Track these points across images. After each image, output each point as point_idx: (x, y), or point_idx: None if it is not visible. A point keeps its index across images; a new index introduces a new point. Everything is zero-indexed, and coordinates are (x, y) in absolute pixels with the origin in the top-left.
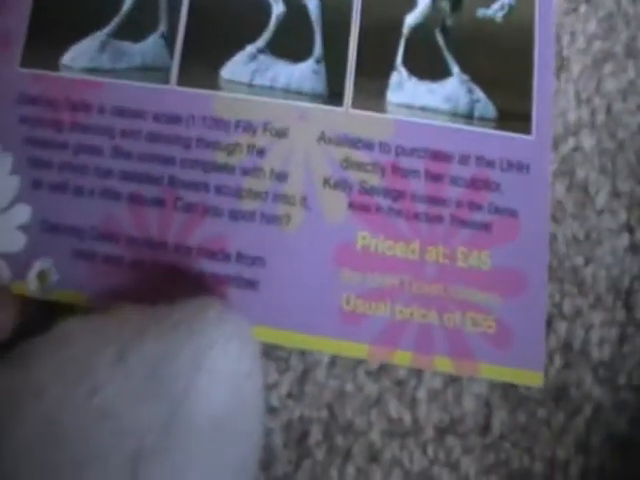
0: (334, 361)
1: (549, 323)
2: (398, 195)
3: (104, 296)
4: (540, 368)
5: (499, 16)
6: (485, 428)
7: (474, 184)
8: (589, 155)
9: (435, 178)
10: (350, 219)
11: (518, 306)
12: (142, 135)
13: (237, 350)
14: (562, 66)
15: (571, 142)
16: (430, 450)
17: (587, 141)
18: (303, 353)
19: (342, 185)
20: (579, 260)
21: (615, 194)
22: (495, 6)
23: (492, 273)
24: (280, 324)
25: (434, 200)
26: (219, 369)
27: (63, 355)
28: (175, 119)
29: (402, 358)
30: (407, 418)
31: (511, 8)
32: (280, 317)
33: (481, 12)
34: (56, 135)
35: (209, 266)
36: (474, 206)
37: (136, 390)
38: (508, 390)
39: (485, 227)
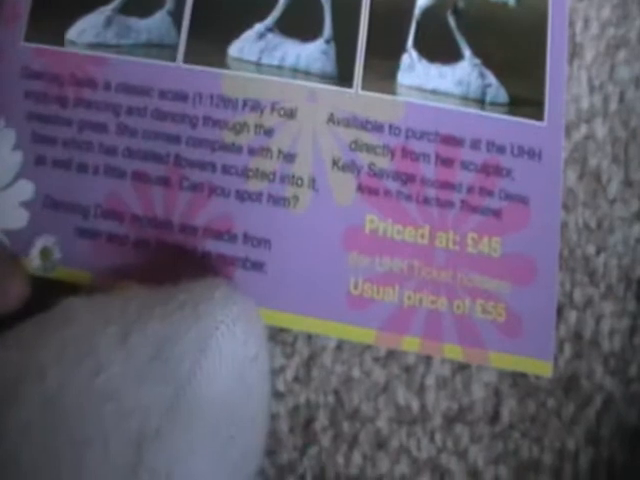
0: (341, 346)
1: (559, 312)
2: (408, 179)
3: (108, 275)
4: (549, 358)
5: (512, 0)
6: (494, 417)
7: (485, 169)
8: (601, 143)
9: (445, 162)
10: (359, 202)
11: (528, 294)
12: (148, 112)
13: (243, 332)
14: (575, 52)
15: (583, 129)
16: (438, 438)
17: (600, 129)
18: (309, 337)
19: (351, 167)
20: (590, 249)
21: (627, 183)
22: None
23: (502, 260)
24: (286, 307)
25: (444, 185)
26: (225, 351)
27: (65, 335)
28: (182, 97)
29: (410, 344)
30: (415, 405)
31: None
32: (286, 300)
33: None
34: (60, 111)
35: (215, 247)
36: (485, 192)
37: (140, 371)
38: (518, 379)
39: (495, 213)
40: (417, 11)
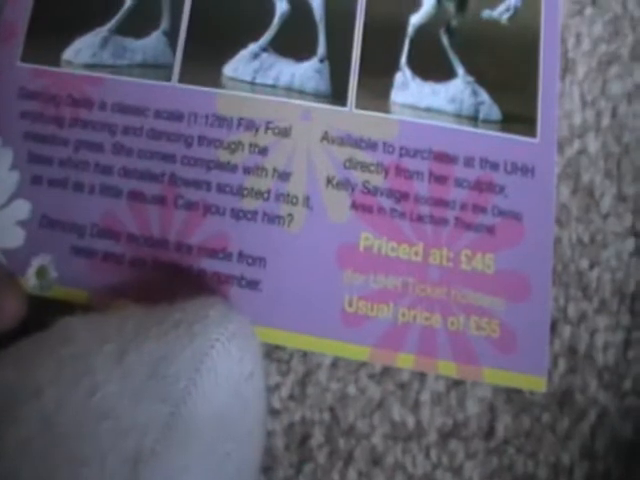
0: (336, 363)
1: (554, 327)
2: (401, 196)
3: (104, 294)
4: (543, 373)
5: (504, 18)
6: (489, 432)
7: (478, 186)
8: (594, 158)
9: (439, 180)
10: (353, 219)
11: (522, 310)
12: (143, 132)
13: (239, 350)
14: (567, 68)
15: (576, 145)
16: (433, 454)
17: (592, 144)
18: (305, 355)
19: (345, 185)
20: (584, 264)
21: (621, 198)
22: (500, 8)
23: (496, 277)
24: (281, 325)
25: (438, 202)
26: (220, 369)
27: (62, 354)
28: (177, 116)
29: (405, 361)
30: (410, 421)
31: (517, 10)
32: (281, 318)
33: (486, 13)
34: (57, 131)
35: (210, 265)
36: (478, 209)
37: (136, 390)
38: (512, 394)
39: (489, 230)
40: (410, 29)
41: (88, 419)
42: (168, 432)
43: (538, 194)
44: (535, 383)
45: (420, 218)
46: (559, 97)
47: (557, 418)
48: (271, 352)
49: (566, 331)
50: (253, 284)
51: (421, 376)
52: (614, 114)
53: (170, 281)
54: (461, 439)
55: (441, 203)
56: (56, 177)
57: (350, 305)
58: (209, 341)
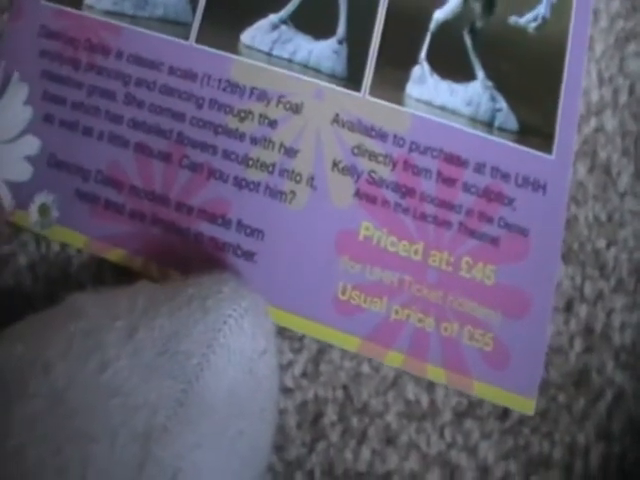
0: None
1: (569, 306)
2: (407, 192)
3: (102, 241)
4: (533, 395)
5: (531, 27)
6: (504, 413)
7: (487, 195)
8: (611, 136)
9: (447, 181)
10: (355, 207)
11: (518, 328)
12: (156, 86)
13: (252, 327)
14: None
15: (593, 122)
16: (448, 434)
17: (610, 122)
18: None
19: (351, 171)
20: (601, 243)
21: (638, 176)
22: (528, 16)
23: (495, 289)
24: (272, 300)
25: (443, 204)
26: (233, 346)
27: (72, 329)
28: (191, 76)
29: (393, 359)
30: (424, 400)
31: (545, 21)
32: (274, 293)
33: (513, 20)
34: (73, 73)
35: (208, 230)
36: (484, 217)
37: (147, 366)
38: None
39: (493, 241)
40: (433, 24)
41: (98, 395)
42: (180, 409)
43: (548, 212)
44: (524, 405)
45: (424, 217)
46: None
47: (573, 398)
48: (283, 330)
49: (582, 310)
50: (249, 255)
51: None
52: (632, 91)
53: (168, 239)
54: (476, 419)
55: (447, 205)
56: (67, 119)
57: (344, 293)
58: (222, 317)
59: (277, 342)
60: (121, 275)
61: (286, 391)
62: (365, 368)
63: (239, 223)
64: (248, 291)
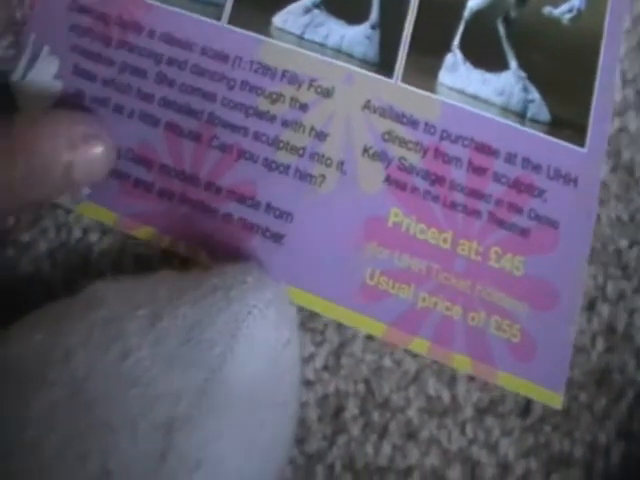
0: (372, 335)
1: (592, 305)
2: (437, 179)
3: (131, 218)
4: (560, 390)
5: (566, 18)
6: (525, 410)
7: (517, 186)
8: (635, 136)
9: (477, 171)
10: (385, 193)
11: (546, 320)
12: (187, 66)
13: (276, 317)
14: None
15: (616, 122)
16: (469, 430)
17: (633, 122)
18: (340, 325)
19: (381, 157)
20: (623, 243)
21: None
22: (563, 7)
23: (524, 280)
24: (299, 283)
25: (473, 193)
26: (257, 336)
27: (92, 318)
28: (222, 57)
29: (419, 346)
30: (446, 396)
31: (580, 12)
32: (301, 276)
33: (547, 10)
34: (103, 49)
35: (237, 210)
36: (514, 208)
37: (169, 355)
38: None
39: (522, 232)
40: (467, 12)
41: (119, 384)
42: (202, 398)
43: (579, 206)
44: (551, 398)
45: (453, 205)
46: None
47: (594, 397)
48: (305, 322)
49: (604, 310)
50: (277, 237)
51: None
52: None
53: (196, 220)
54: (497, 416)
55: (476, 194)
56: (98, 95)
57: (371, 278)
58: (246, 307)
59: (299, 334)
60: (141, 264)
61: (307, 384)
62: (387, 362)
63: (268, 205)
64: (272, 281)
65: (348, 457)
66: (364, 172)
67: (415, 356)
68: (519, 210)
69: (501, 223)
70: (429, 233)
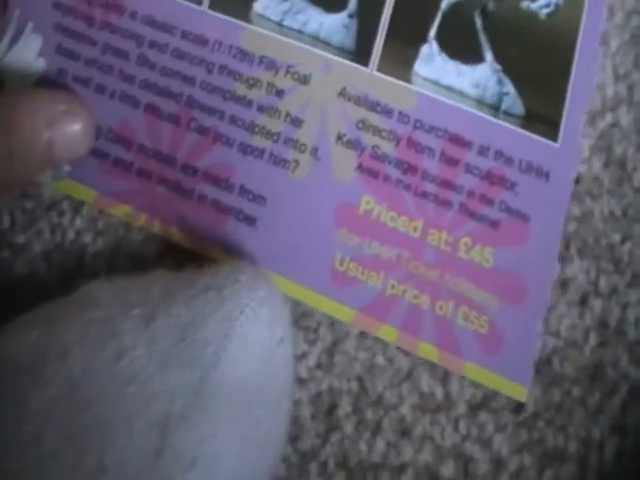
0: (364, 332)
1: (584, 300)
2: (409, 169)
3: (109, 197)
4: (526, 382)
5: (543, 13)
6: (518, 405)
7: (489, 177)
8: (627, 131)
9: (450, 162)
10: (357, 180)
11: (514, 313)
12: (168, 49)
13: (269, 315)
14: (601, 40)
15: (609, 118)
16: (462, 426)
17: (625, 117)
18: (332, 323)
19: (355, 144)
20: (616, 237)
21: None
22: (541, 2)
23: (493, 273)
24: (271, 266)
25: (445, 183)
26: (251, 335)
27: (87, 317)
28: (202, 41)
29: (387, 333)
30: (439, 393)
31: (557, 8)
32: (272, 260)
33: (525, 4)
34: (86, 29)
35: (212, 192)
36: (485, 200)
37: (164, 354)
38: (543, 367)
39: (493, 224)
40: (444, 3)
41: (114, 383)
42: (197, 397)
43: (550, 200)
44: (517, 391)
45: (424, 195)
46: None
47: (588, 392)
48: (299, 320)
49: (597, 305)
50: (250, 220)
51: None
52: None
53: (173, 199)
54: (490, 411)
55: (448, 185)
56: (80, 75)
57: (341, 264)
58: (239, 306)
59: (292, 332)
60: (135, 264)
61: (301, 382)
62: (380, 359)
63: (242, 188)
64: (265, 280)
65: (342, 454)
66: (337, 159)
67: (408, 353)
68: (490, 202)
69: (472, 214)
70: (400, 221)
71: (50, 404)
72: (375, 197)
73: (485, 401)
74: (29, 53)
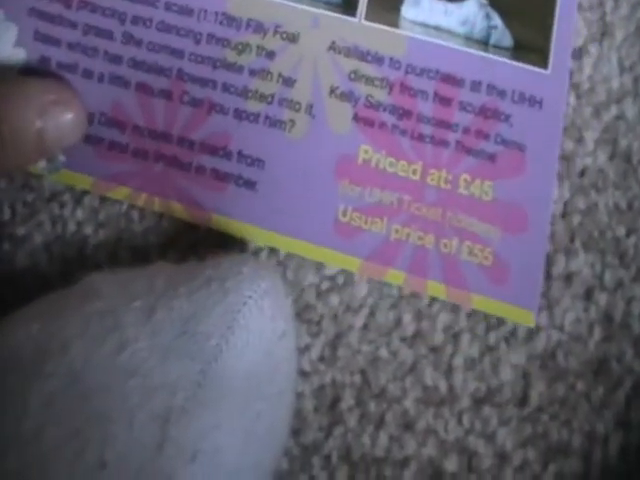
0: (367, 325)
1: (589, 294)
2: (404, 113)
3: (107, 180)
4: (533, 307)
5: None
6: (523, 399)
7: (483, 112)
8: (632, 124)
9: (444, 101)
10: (354, 131)
11: (517, 243)
12: (153, 24)
13: (271, 308)
14: (606, 32)
15: (614, 110)
16: (466, 420)
17: (630, 109)
18: (336, 316)
19: (348, 96)
20: (621, 230)
21: None
22: None
23: (493, 205)
24: (274, 227)
25: (441, 123)
26: (253, 327)
27: (88, 310)
28: (187, 11)
29: (394, 277)
30: (442, 386)
31: None
32: (275, 220)
33: None
34: (64, 11)
35: (210, 162)
36: (481, 135)
37: (166, 347)
38: (547, 361)
39: (490, 157)
40: None
41: (116, 376)
42: (198, 390)
43: (544, 127)
44: (524, 317)
45: (421, 137)
46: (597, 60)
47: (592, 386)
48: (301, 313)
49: (602, 298)
50: (250, 184)
51: (454, 340)
52: None
53: (172, 175)
54: (494, 405)
55: (443, 125)
56: (65, 61)
57: (344, 215)
58: (242, 298)
59: (295, 325)
60: (137, 256)
61: (303, 375)
62: (383, 352)
63: (240, 154)
64: (268, 272)
65: (345, 448)
66: (333, 113)
67: (411, 346)
68: (486, 136)
69: (469, 151)
70: (399, 166)
71: (51, 397)
72: (373, 145)
73: (489, 395)
74: (5, 44)
